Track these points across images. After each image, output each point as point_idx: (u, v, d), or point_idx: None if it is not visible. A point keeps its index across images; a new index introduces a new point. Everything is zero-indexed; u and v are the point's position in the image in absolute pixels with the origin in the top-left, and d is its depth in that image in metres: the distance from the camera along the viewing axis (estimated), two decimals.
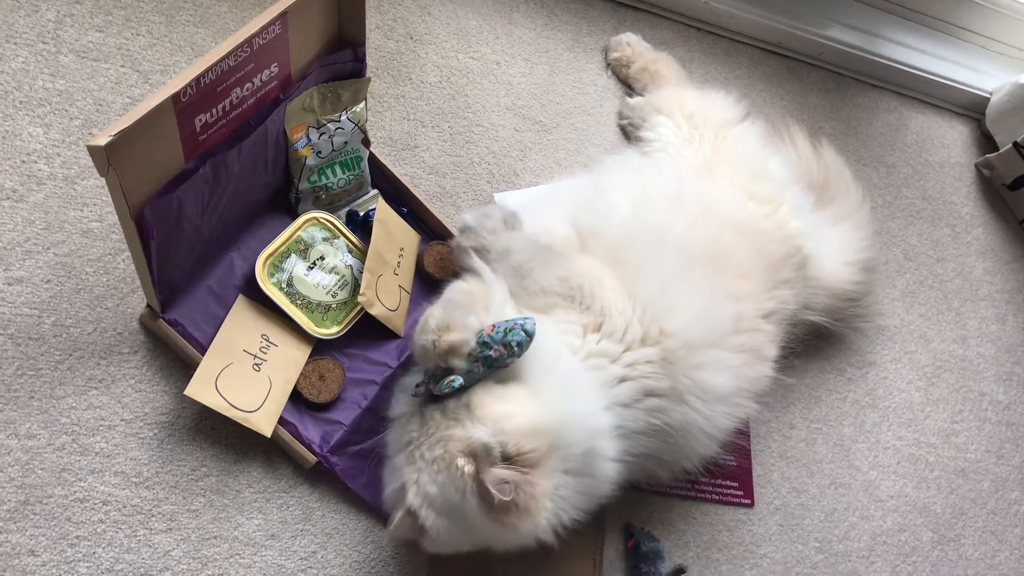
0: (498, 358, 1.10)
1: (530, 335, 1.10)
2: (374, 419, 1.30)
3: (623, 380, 1.21)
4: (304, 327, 1.27)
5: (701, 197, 1.39)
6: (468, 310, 1.14)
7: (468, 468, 1.04)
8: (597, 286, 1.25)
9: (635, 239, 1.29)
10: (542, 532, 1.10)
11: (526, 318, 1.12)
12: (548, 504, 1.08)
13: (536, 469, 1.06)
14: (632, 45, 1.75)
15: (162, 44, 1.39)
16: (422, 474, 1.08)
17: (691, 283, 1.27)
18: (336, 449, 1.25)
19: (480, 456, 1.03)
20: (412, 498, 1.08)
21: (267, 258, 1.28)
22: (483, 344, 1.10)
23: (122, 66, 1.35)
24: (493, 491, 1.01)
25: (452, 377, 1.10)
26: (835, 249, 1.62)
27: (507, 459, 1.04)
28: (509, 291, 1.22)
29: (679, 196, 1.36)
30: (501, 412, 1.07)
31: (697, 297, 1.27)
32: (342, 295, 1.32)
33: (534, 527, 1.08)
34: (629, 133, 1.70)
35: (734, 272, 1.35)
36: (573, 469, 1.11)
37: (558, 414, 1.09)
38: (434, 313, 1.13)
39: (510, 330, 1.10)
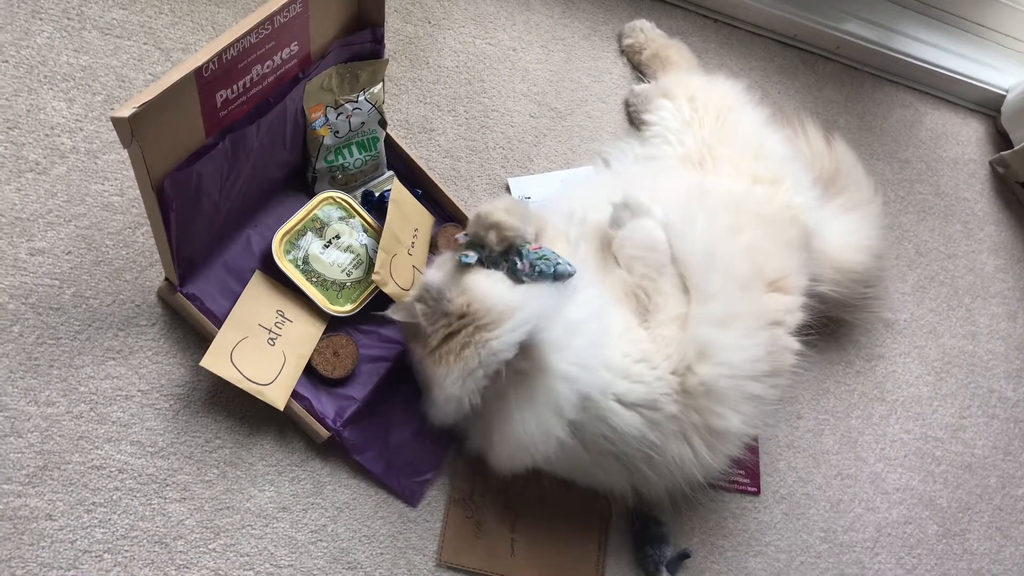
0: (519, 271, 1.21)
1: (559, 276, 1.20)
2: (387, 395, 1.32)
3: (637, 381, 1.22)
4: (319, 304, 1.29)
5: (725, 199, 1.40)
6: (533, 221, 1.27)
7: (411, 296, 1.24)
8: (660, 311, 1.28)
9: (689, 264, 1.30)
10: (446, 391, 1.19)
11: (569, 264, 1.22)
12: (463, 364, 1.17)
13: (476, 326, 1.16)
14: (645, 31, 1.76)
15: (184, 23, 1.41)
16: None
17: (734, 319, 1.27)
18: (348, 423, 1.27)
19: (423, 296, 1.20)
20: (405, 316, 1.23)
21: (284, 236, 1.29)
22: (519, 251, 1.23)
23: (144, 43, 1.37)
24: (398, 314, 1.21)
25: (470, 253, 1.24)
26: (843, 231, 1.62)
27: (461, 315, 1.17)
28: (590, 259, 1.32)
29: (711, 205, 1.37)
30: (483, 282, 1.20)
31: (735, 341, 1.26)
32: (356, 274, 1.33)
33: (441, 377, 1.18)
34: (635, 120, 1.71)
35: (770, 281, 1.36)
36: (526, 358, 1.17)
37: (530, 309, 1.17)
38: (507, 198, 1.30)
39: (545, 258, 1.21)
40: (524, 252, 1.23)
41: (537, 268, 1.21)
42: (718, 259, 1.29)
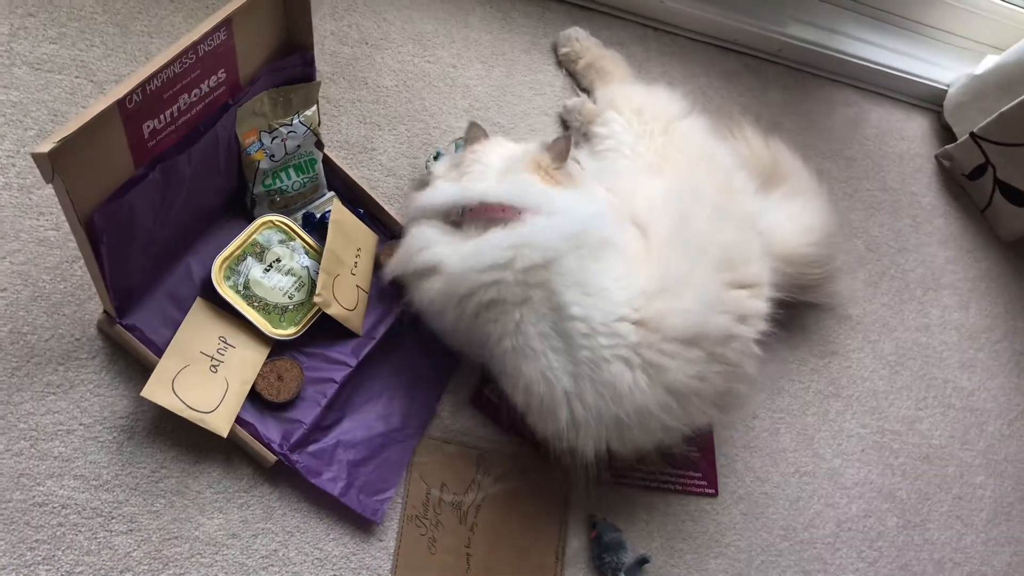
0: None
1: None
2: (334, 417, 1.32)
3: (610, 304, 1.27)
4: (261, 328, 1.29)
5: (702, 196, 1.43)
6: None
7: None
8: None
9: (670, 229, 1.35)
10: None
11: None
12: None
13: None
14: (580, 40, 1.77)
15: (116, 55, 1.41)
16: None
17: (698, 282, 1.31)
18: (296, 447, 1.27)
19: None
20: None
21: (223, 261, 1.29)
22: None
23: (76, 77, 1.37)
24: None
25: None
26: (786, 218, 1.63)
27: None
28: None
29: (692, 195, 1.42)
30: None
31: (697, 297, 1.30)
32: (299, 296, 1.34)
33: None
34: (574, 132, 1.72)
35: (746, 284, 1.38)
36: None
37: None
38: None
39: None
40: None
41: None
42: (696, 236, 1.35)
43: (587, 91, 1.77)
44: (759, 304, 1.39)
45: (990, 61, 2.12)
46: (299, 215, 1.41)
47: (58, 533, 1.14)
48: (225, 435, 1.21)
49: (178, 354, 1.23)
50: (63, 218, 1.27)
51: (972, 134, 2.06)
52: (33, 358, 1.20)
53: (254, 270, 1.31)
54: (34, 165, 1.26)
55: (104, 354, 1.24)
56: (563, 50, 1.79)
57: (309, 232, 1.39)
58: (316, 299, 1.30)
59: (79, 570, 1.14)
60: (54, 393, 1.20)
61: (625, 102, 1.60)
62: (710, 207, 1.39)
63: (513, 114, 1.71)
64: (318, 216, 1.42)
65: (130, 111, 1.04)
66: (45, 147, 0.93)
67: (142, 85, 1.03)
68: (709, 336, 1.30)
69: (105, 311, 1.22)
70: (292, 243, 1.36)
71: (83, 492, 1.17)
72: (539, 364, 1.26)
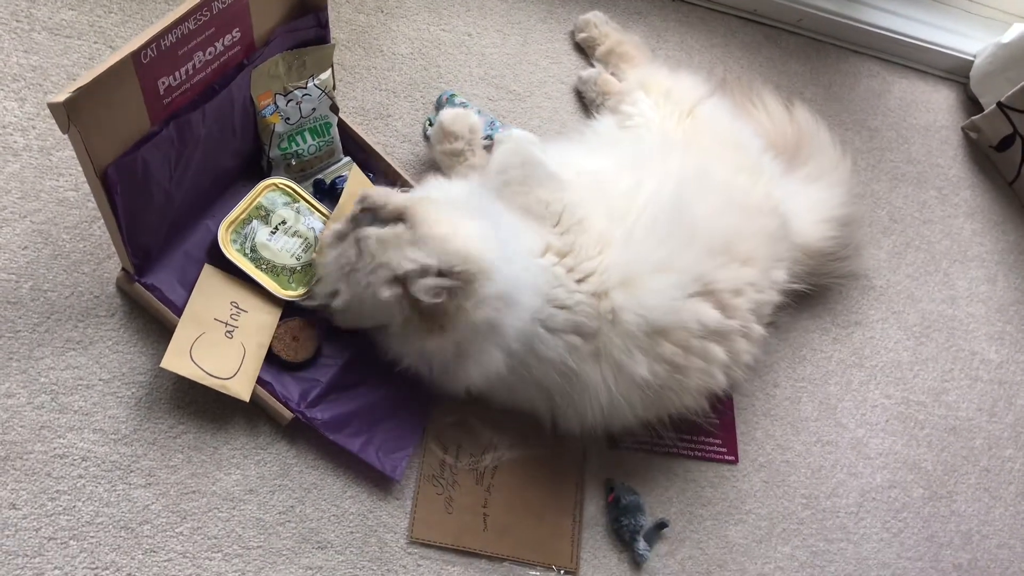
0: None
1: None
2: (353, 377, 1.33)
3: (561, 307, 1.26)
4: (271, 290, 1.30)
5: (711, 178, 1.43)
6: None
7: (394, 292, 1.20)
8: (577, 223, 1.31)
9: (654, 208, 1.34)
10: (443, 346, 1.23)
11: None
12: (475, 316, 1.20)
13: (466, 287, 1.19)
14: (598, 25, 1.77)
15: (134, 20, 1.43)
16: (353, 294, 1.24)
17: (672, 270, 1.30)
18: (313, 404, 1.28)
19: (410, 277, 1.18)
20: (338, 304, 1.27)
21: (229, 225, 1.31)
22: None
23: (95, 42, 1.39)
24: (423, 298, 1.17)
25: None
26: (808, 207, 1.62)
27: (442, 275, 1.18)
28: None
29: (698, 177, 1.41)
30: (444, 232, 1.20)
31: (667, 285, 1.29)
32: (306, 257, 1.34)
33: (446, 341, 1.22)
34: (589, 102, 1.73)
35: (739, 259, 1.38)
36: (492, 306, 1.21)
37: (494, 252, 1.21)
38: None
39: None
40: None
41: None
42: (689, 216, 1.33)
43: (593, 66, 1.77)
44: (751, 272, 1.39)
45: (1017, 29, 2.08)
46: (309, 182, 1.42)
47: (78, 484, 1.16)
48: (247, 399, 1.23)
49: (193, 322, 1.24)
50: (83, 179, 1.29)
51: (999, 104, 2.02)
52: (53, 315, 1.22)
53: (260, 233, 1.32)
54: (54, 127, 1.27)
55: (123, 312, 1.26)
56: (581, 35, 1.78)
57: (320, 199, 1.40)
58: (316, 255, 1.31)
59: (99, 521, 1.15)
60: (74, 349, 1.22)
61: (655, 84, 1.62)
62: (716, 191, 1.40)
63: (529, 82, 1.71)
64: (328, 182, 1.42)
65: (145, 66, 1.06)
66: (61, 97, 0.95)
67: (156, 39, 1.05)
68: (681, 328, 1.30)
69: (124, 269, 1.24)
70: (297, 205, 1.36)
71: (103, 446, 1.19)
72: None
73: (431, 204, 1.26)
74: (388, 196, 1.26)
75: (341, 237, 1.26)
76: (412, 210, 1.23)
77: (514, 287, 1.22)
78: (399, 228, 1.22)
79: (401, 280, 1.19)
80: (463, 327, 1.21)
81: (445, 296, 1.17)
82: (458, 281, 1.18)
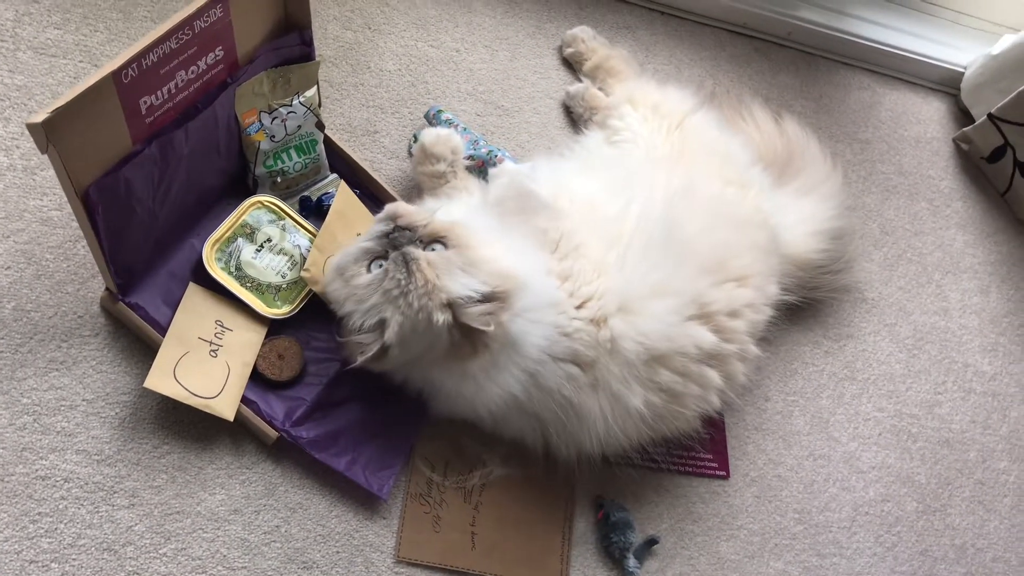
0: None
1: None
2: (339, 395, 1.32)
3: (563, 334, 1.23)
4: (256, 309, 1.30)
5: (697, 194, 1.42)
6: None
7: (447, 317, 1.17)
8: (574, 249, 1.30)
9: (645, 230, 1.33)
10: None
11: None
12: (510, 328, 1.20)
13: (506, 304, 1.19)
14: (585, 41, 1.77)
15: (120, 40, 1.43)
16: (405, 318, 1.18)
17: (669, 294, 1.29)
18: (299, 423, 1.27)
19: (463, 303, 1.17)
20: (390, 336, 1.18)
21: (214, 243, 1.30)
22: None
23: (80, 61, 1.39)
24: (477, 325, 1.16)
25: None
26: (799, 220, 1.62)
27: (486, 299, 1.18)
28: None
29: (684, 194, 1.40)
30: (489, 256, 1.21)
31: (665, 310, 1.28)
32: (292, 275, 1.34)
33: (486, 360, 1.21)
34: (577, 117, 1.73)
35: (733, 277, 1.37)
36: (524, 319, 1.22)
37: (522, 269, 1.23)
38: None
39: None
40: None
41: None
42: (680, 235, 1.32)
43: (580, 81, 1.77)
44: (748, 293, 1.38)
45: (1008, 40, 2.08)
46: (295, 200, 1.42)
47: (60, 506, 1.15)
48: (231, 419, 1.22)
49: (177, 342, 1.23)
50: (66, 199, 1.28)
51: (990, 115, 2.02)
52: (36, 335, 1.22)
53: (245, 251, 1.32)
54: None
55: (106, 332, 1.26)
56: (568, 50, 1.78)
57: (305, 216, 1.39)
58: (304, 274, 1.31)
59: (81, 543, 1.14)
60: (57, 369, 1.21)
61: (642, 98, 1.61)
62: (704, 207, 1.39)
63: (518, 98, 1.71)
64: (314, 199, 1.42)
65: (126, 85, 1.05)
66: (39, 117, 0.95)
67: (137, 59, 1.04)
68: (679, 354, 1.29)
69: (108, 289, 1.24)
70: (283, 222, 1.36)
71: (85, 466, 1.18)
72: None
73: (464, 227, 1.24)
74: (424, 215, 1.23)
75: (371, 255, 1.22)
76: (454, 232, 1.21)
77: (539, 301, 1.23)
78: (448, 252, 1.20)
79: (449, 305, 1.18)
80: (499, 342, 1.20)
81: (495, 321, 1.17)
82: (502, 303, 1.18)
